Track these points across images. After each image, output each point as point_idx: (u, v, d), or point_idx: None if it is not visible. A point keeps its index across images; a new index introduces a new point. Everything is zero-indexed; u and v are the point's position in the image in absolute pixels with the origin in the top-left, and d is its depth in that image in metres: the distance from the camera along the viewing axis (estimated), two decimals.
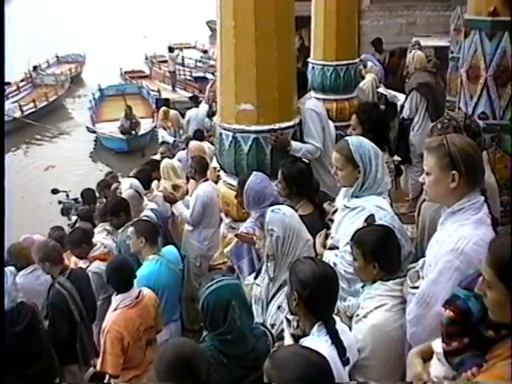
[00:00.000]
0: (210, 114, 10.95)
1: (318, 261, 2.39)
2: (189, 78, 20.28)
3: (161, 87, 19.30)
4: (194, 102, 12.98)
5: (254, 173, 3.70)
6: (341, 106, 6.68)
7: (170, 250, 4.37)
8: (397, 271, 2.54)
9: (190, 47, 26.03)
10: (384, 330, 2.42)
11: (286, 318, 2.52)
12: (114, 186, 6.54)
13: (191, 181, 6.11)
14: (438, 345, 1.94)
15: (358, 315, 2.53)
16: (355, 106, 6.06)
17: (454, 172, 2.18)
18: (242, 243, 3.60)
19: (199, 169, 5.58)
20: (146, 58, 23.61)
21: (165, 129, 12.19)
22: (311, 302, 2.27)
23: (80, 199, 7.96)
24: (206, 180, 5.49)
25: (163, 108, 12.50)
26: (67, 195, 10.40)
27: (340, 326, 2.31)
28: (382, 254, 2.50)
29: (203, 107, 11.97)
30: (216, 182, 5.15)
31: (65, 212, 9.61)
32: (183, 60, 21.51)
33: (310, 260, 2.37)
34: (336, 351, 2.18)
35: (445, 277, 2.13)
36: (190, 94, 17.67)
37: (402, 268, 2.56)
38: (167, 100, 14.09)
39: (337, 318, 2.36)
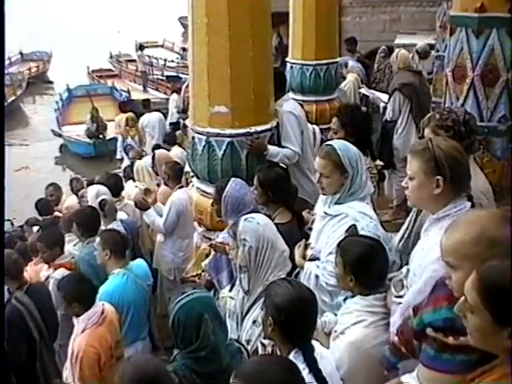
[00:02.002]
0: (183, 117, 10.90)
1: (295, 283, 2.37)
2: (161, 77, 20.21)
3: (131, 87, 19.18)
4: (147, 106, 12.75)
5: (233, 179, 3.69)
6: (321, 107, 6.72)
7: (138, 263, 4.33)
8: (377, 287, 2.55)
9: (157, 46, 25.96)
10: (362, 348, 2.42)
11: (261, 342, 2.51)
12: (81, 192, 6.47)
13: (163, 187, 6.07)
14: (407, 379, 1.97)
15: (335, 331, 2.54)
16: (336, 108, 6.07)
17: (438, 177, 2.20)
18: (220, 255, 3.59)
19: (173, 175, 5.55)
20: (111, 57, 23.44)
21: (124, 138, 11.89)
22: (287, 327, 2.24)
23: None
24: (181, 187, 5.47)
25: (129, 114, 12.15)
26: (12, 223, 8.80)
27: (319, 353, 2.28)
28: (362, 269, 2.51)
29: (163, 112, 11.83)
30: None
31: (12, 245, 7.23)
32: (152, 60, 21.40)
33: (286, 282, 2.34)
34: (314, 380, 2.15)
35: (430, 286, 2.12)
36: (162, 95, 17.62)
37: (384, 283, 2.57)
38: (147, 101, 13.66)
39: (316, 343, 2.33)
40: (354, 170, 2.88)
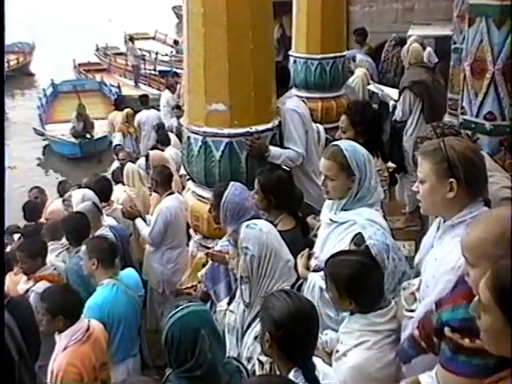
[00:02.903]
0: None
1: (294, 295, 2.37)
2: (153, 72, 20.26)
3: (121, 82, 19.22)
4: (144, 103, 12.74)
5: (232, 183, 3.71)
6: (327, 105, 6.75)
7: (128, 273, 4.34)
8: (377, 303, 2.55)
9: (148, 38, 26.02)
10: (365, 372, 2.43)
11: (258, 359, 2.52)
12: (66, 195, 6.48)
13: (154, 195, 6.08)
14: (425, 378, 1.97)
15: (337, 351, 2.55)
16: (343, 106, 6.12)
17: (451, 180, 2.21)
18: (218, 265, 3.60)
19: (161, 180, 5.52)
20: (97, 50, 23.47)
21: (124, 135, 11.94)
22: (286, 344, 2.25)
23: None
24: (171, 193, 5.48)
25: (127, 110, 12.21)
26: None
27: (321, 371, 2.28)
28: (359, 290, 2.51)
29: (161, 110, 11.76)
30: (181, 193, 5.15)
31: None
32: (143, 53, 21.44)
33: (284, 294, 2.35)
34: None
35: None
36: (155, 91, 17.63)
37: (384, 297, 2.59)
38: (145, 97, 13.64)
39: (318, 360, 2.33)
40: (362, 173, 2.89)
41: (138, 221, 5.43)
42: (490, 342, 1.66)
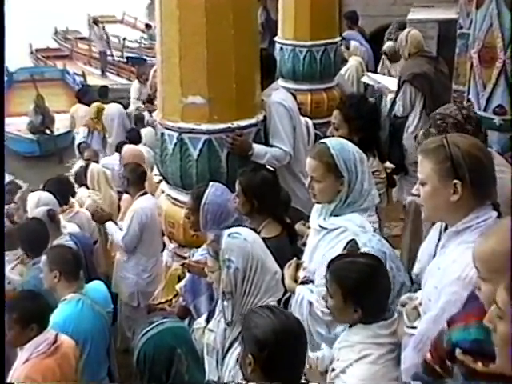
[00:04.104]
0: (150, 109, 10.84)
1: (279, 311, 2.38)
2: (122, 59, 20.18)
3: (86, 71, 19.12)
4: (104, 95, 12.58)
5: (212, 183, 3.73)
6: (317, 98, 6.78)
7: (95, 286, 4.32)
8: (383, 313, 2.57)
9: (115, 21, 25.90)
10: None
11: None
12: (17, 195, 6.43)
13: (125, 196, 6.07)
14: None
15: (333, 369, 2.55)
16: (335, 99, 6.17)
17: (455, 181, 2.22)
18: (198, 276, 3.60)
19: (134, 179, 5.54)
20: (56, 33, 23.31)
21: (91, 131, 11.80)
22: (271, 366, 2.25)
23: None
24: (145, 193, 5.48)
25: (97, 104, 12.04)
26: None
27: None
28: (366, 296, 2.51)
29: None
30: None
31: None
32: (109, 38, 21.35)
33: (267, 311, 2.35)
34: None
35: (450, 313, 2.14)
36: (124, 81, 17.55)
37: (388, 307, 2.60)
38: (105, 88, 13.43)
39: None
40: (352, 175, 2.92)
41: (110, 224, 5.41)
42: (506, 354, 1.65)
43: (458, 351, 1.95)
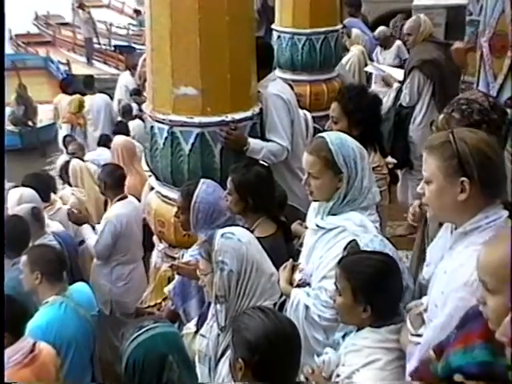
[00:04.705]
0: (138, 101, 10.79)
1: (271, 313, 2.38)
2: (109, 47, 20.16)
3: (71, 59, 19.07)
4: (89, 85, 12.47)
5: (203, 180, 3.73)
6: (316, 89, 6.80)
7: (79, 288, 4.32)
8: (393, 316, 2.58)
9: (101, 6, 25.86)
10: None
11: None
12: None
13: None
14: None
15: (338, 375, 2.56)
16: (336, 91, 6.15)
17: (463, 179, 2.21)
18: (189, 278, 3.61)
19: (112, 182, 5.43)
20: (37, 18, 23.24)
21: (72, 127, 11.70)
22: (263, 372, 2.25)
23: None
24: (123, 198, 5.44)
25: (79, 98, 11.92)
26: None
27: None
28: (379, 295, 2.52)
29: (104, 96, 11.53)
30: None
31: None
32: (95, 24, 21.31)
33: (259, 312, 2.35)
34: None
35: (457, 321, 2.12)
36: (112, 70, 17.52)
37: (399, 311, 2.61)
38: (90, 78, 13.29)
39: None
40: (351, 171, 2.93)
41: (85, 228, 5.39)
42: None
43: (457, 376, 1.90)
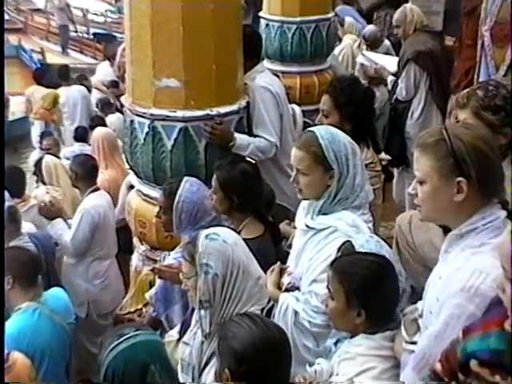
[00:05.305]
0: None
1: (260, 320, 2.39)
2: (87, 35, 20.07)
3: (44, 47, 18.97)
4: (64, 75, 12.32)
5: (186, 178, 3.73)
6: (307, 81, 6.80)
7: (55, 294, 4.30)
8: (388, 321, 2.59)
9: None
10: None
11: None
12: None
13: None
14: None
15: None
16: (328, 83, 6.14)
17: (460, 179, 2.21)
18: (171, 283, 3.61)
19: (84, 173, 5.49)
20: (6, 3, 23.08)
21: (47, 123, 11.58)
22: (251, 382, 2.25)
23: None
24: (96, 189, 5.47)
25: (54, 92, 11.78)
26: None
27: None
28: (374, 299, 2.53)
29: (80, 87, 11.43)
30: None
31: None
32: (70, 10, 21.17)
33: (247, 320, 2.36)
34: None
35: (454, 329, 2.14)
36: (90, 59, 17.43)
37: (395, 316, 2.62)
38: (65, 68, 13.15)
39: None
40: (343, 168, 2.94)
41: (58, 222, 5.35)
42: None
43: (473, 362, 1.92)
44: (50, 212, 5.41)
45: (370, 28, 8.46)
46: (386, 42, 8.46)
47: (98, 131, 6.99)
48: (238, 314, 2.57)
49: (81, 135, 8.79)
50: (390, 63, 7.05)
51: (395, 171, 6.23)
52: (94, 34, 19.45)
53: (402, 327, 2.49)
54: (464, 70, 5.53)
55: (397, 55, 7.20)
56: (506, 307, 1.85)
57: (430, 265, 2.66)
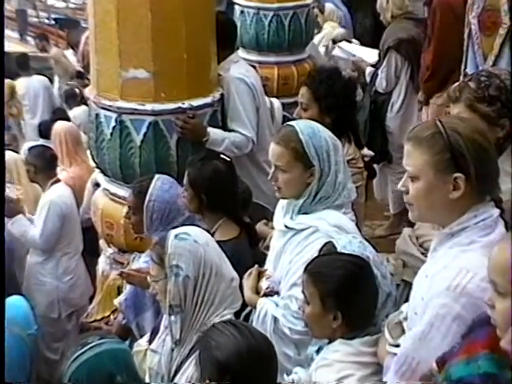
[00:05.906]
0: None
1: (244, 328, 2.38)
2: (47, 21, 19.89)
3: None
4: (23, 65, 12.14)
5: (158, 176, 3.73)
6: (285, 72, 6.79)
7: (14, 302, 4.25)
8: (367, 326, 2.60)
9: None
10: None
11: None
12: None
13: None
14: None
15: None
16: (307, 73, 6.16)
17: (457, 175, 2.19)
18: (141, 288, 3.60)
19: (43, 164, 5.51)
20: None
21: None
22: None
23: None
24: (57, 181, 5.49)
25: (10, 83, 11.60)
26: None
27: None
28: (350, 301, 2.53)
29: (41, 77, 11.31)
30: None
31: None
32: None
33: (230, 327, 2.36)
34: None
35: (439, 330, 2.16)
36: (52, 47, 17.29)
37: (375, 321, 2.63)
38: (24, 56, 12.99)
39: None
40: (323, 164, 2.95)
41: (20, 219, 5.33)
42: None
43: None
44: (11, 209, 5.38)
45: (340, 31, 8.49)
46: (355, 42, 8.46)
47: (60, 125, 6.93)
48: (221, 322, 2.56)
49: (45, 130, 8.73)
50: (367, 54, 7.07)
51: (376, 167, 6.25)
52: (56, 20, 19.27)
53: (386, 330, 2.48)
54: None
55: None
56: (496, 325, 1.84)
57: None
